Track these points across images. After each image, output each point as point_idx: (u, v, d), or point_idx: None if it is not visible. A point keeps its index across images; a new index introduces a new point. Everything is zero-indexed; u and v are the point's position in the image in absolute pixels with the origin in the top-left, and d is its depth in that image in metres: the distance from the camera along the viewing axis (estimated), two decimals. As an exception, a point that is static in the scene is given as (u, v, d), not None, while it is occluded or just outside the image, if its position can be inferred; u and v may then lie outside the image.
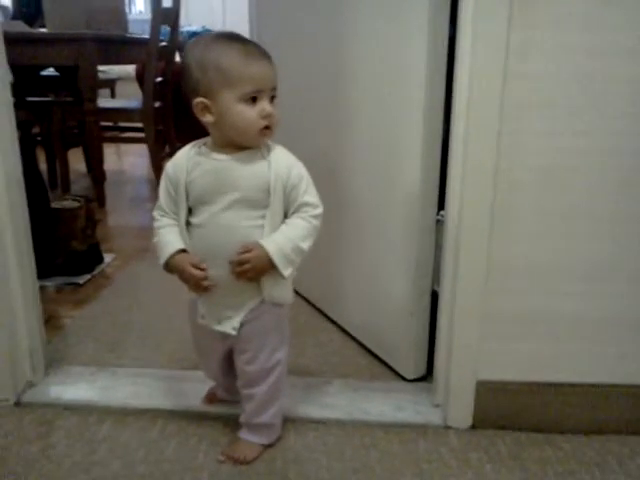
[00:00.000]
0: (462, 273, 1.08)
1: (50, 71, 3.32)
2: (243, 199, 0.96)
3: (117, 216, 2.67)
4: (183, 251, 0.99)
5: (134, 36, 3.15)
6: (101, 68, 4.20)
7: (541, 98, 1.01)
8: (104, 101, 3.25)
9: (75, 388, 1.27)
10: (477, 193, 1.05)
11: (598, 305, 1.09)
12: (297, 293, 1.71)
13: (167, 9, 2.91)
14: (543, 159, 1.04)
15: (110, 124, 3.42)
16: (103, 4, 2.87)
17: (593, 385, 1.13)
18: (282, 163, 0.97)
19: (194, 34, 5.15)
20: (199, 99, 0.94)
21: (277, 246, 0.95)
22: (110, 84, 4.30)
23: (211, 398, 1.22)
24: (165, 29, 2.99)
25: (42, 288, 1.34)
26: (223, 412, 1.18)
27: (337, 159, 1.43)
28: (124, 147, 4.32)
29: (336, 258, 1.50)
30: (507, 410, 1.15)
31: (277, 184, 0.96)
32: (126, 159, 4.09)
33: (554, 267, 1.08)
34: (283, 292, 1.03)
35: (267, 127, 0.94)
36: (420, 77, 1.13)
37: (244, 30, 1.75)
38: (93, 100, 2.63)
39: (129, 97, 3.71)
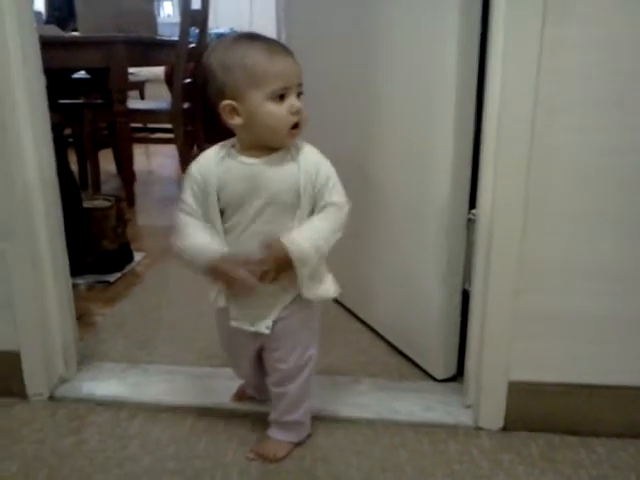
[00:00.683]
0: (494, 271, 1.07)
1: (81, 74, 3.38)
2: (275, 202, 0.95)
3: (146, 216, 2.70)
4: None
5: (164, 38, 3.19)
6: (130, 70, 4.26)
7: (575, 95, 0.99)
8: (134, 102, 3.29)
9: (107, 384, 1.29)
10: (509, 191, 1.03)
11: (635, 305, 1.07)
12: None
13: (196, 11, 2.95)
14: (577, 157, 1.02)
15: (139, 125, 3.47)
16: (134, 7, 2.91)
17: (630, 387, 1.11)
18: (310, 163, 0.97)
19: (221, 36, 5.19)
20: (226, 102, 0.93)
21: (298, 244, 0.94)
22: (139, 86, 4.36)
23: (241, 395, 1.22)
24: (194, 31, 3.02)
25: (74, 286, 1.36)
26: (253, 410, 1.19)
27: (368, 157, 1.43)
28: (152, 148, 4.37)
29: (366, 257, 1.49)
30: (540, 411, 1.13)
31: (307, 185, 0.96)
32: (155, 160, 4.13)
33: (589, 266, 1.06)
34: (318, 289, 1.01)
35: (296, 125, 0.94)
36: (452, 74, 1.12)
37: (271, 32, 1.77)
38: (123, 102, 2.67)
39: (158, 99, 3.76)
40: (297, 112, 0.93)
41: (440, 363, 1.28)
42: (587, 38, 0.96)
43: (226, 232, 0.98)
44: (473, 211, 1.16)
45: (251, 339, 1.05)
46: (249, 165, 0.96)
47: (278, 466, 1.06)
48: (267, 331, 1.01)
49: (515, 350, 1.10)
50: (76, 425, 1.17)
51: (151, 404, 1.22)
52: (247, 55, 0.91)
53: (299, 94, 0.95)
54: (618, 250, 1.05)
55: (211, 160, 0.99)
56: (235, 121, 0.94)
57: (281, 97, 0.92)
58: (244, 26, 5.55)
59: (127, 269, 1.97)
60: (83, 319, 1.60)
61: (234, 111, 0.94)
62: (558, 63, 0.98)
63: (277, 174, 0.96)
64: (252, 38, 0.94)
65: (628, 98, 0.98)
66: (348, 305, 1.63)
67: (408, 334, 1.37)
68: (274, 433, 1.10)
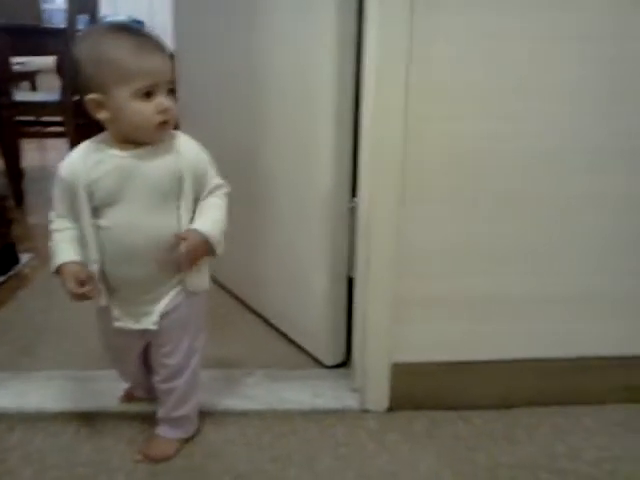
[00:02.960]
0: (374, 258, 1.10)
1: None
2: (154, 194, 0.93)
3: (37, 214, 2.56)
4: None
5: (50, 26, 3.03)
6: (20, 60, 4.02)
7: (446, 82, 1.02)
8: (21, 94, 3.11)
9: (-16, 396, 1.22)
10: (386, 179, 1.06)
11: (503, 284, 1.13)
12: (217, 283, 1.69)
13: (84, -3, 2.81)
14: (449, 143, 1.06)
15: (31, 119, 3.28)
16: (15, -7, 2.75)
17: (503, 361, 1.17)
18: (190, 150, 0.97)
19: (119, 24, 4.98)
20: (91, 95, 0.90)
21: (211, 227, 0.96)
22: (30, 76, 4.12)
23: (129, 397, 1.20)
24: (84, 19, 2.88)
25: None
26: (141, 410, 1.16)
27: (255, 149, 1.42)
28: (48, 142, 4.15)
29: (255, 247, 1.49)
30: (422, 390, 1.18)
31: (188, 171, 0.95)
32: (49, 155, 3.93)
33: (461, 249, 1.11)
34: (202, 279, 1.02)
35: (165, 122, 0.92)
36: (330, 68, 1.14)
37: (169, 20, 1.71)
38: (7, 93, 2.51)
39: (51, 90, 3.56)
40: (164, 111, 0.91)
41: (329, 350, 1.31)
42: (455, 26, 0.99)
43: (105, 229, 0.95)
44: (355, 199, 1.19)
45: (137, 337, 1.03)
46: (122, 157, 0.93)
47: (167, 465, 1.04)
48: (154, 327, 0.99)
49: (396, 333, 1.14)
50: (-51, 442, 1.10)
51: (32, 413, 1.17)
52: (114, 49, 0.88)
53: (171, 91, 0.93)
54: (490, 233, 1.10)
55: (80, 157, 0.95)
56: (101, 115, 0.92)
57: (148, 94, 0.90)
58: (143, 14, 5.36)
59: (12, 272, 1.87)
60: (-39, 328, 1.50)
61: (100, 106, 0.91)
62: (429, 52, 1.00)
63: (154, 164, 0.93)
64: (121, 30, 0.91)
65: (499, 85, 1.03)
66: (240, 295, 1.63)
67: (299, 323, 1.39)
68: (163, 431, 1.08)
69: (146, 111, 0.90)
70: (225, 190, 1.01)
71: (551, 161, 1.07)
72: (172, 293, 1.00)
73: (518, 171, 1.08)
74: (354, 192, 1.20)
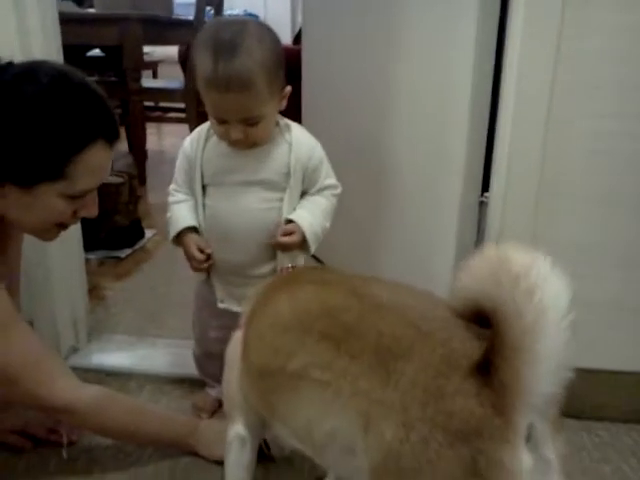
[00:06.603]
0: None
1: (95, 52, 3.38)
2: (261, 181, 0.95)
3: (157, 194, 2.70)
4: (194, 228, 0.99)
5: (179, 17, 3.19)
6: (144, 50, 4.25)
7: (591, 79, 0.99)
8: (148, 81, 3.29)
9: (116, 355, 1.32)
10: (523, 175, 1.03)
11: (637, 290, 1.07)
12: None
13: (211, -9, 2.94)
14: (590, 141, 1.02)
15: (152, 104, 3.47)
16: (149, -14, 2.90)
17: (633, 373, 1.11)
18: (303, 145, 0.97)
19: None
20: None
21: (311, 227, 0.96)
22: (153, 66, 4.35)
23: (199, 407, 1.14)
24: (209, 12, 3.01)
25: (86, 261, 1.38)
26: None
27: (384, 143, 1.42)
28: (165, 128, 4.37)
29: (378, 239, 1.49)
30: (544, 395, 1.14)
31: (297, 166, 0.95)
32: (167, 140, 4.14)
33: (596, 251, 1.06)
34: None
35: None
36: (468, 58, 1.12)
37: (285, 17, 1.75)
38: (137, 80, 2.67)
39: (170, 79, 3.75)
40: (233, 141, 0.92)
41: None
42: (607, 22, 0.96)
43: (210, 208, 0.98)
44: (486, 194, 1.16)
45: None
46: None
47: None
48: None
49: (522, 333, 1.10)
50: (86, 394, 1.19)
51: (159, 376, 1.25)
52: (200, 66, 0.88)
53: (253, 123, 0.90)
54: (627, 234, 1.05)
55: (202, 133, 0.99)
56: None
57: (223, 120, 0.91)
58: (258, 8, 5.52)
59: (138, 245, 1.98)
60: (94, 293, 1.62)
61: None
62: (577, 47, 0.97)
63: (266, 154, 0.95)
64: (213, 46, 0.87)
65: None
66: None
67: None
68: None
69: (219, 130, 0.94)
70: (335, 191, 1.00)
71: None
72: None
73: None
74: (485, 187, 1.18)
